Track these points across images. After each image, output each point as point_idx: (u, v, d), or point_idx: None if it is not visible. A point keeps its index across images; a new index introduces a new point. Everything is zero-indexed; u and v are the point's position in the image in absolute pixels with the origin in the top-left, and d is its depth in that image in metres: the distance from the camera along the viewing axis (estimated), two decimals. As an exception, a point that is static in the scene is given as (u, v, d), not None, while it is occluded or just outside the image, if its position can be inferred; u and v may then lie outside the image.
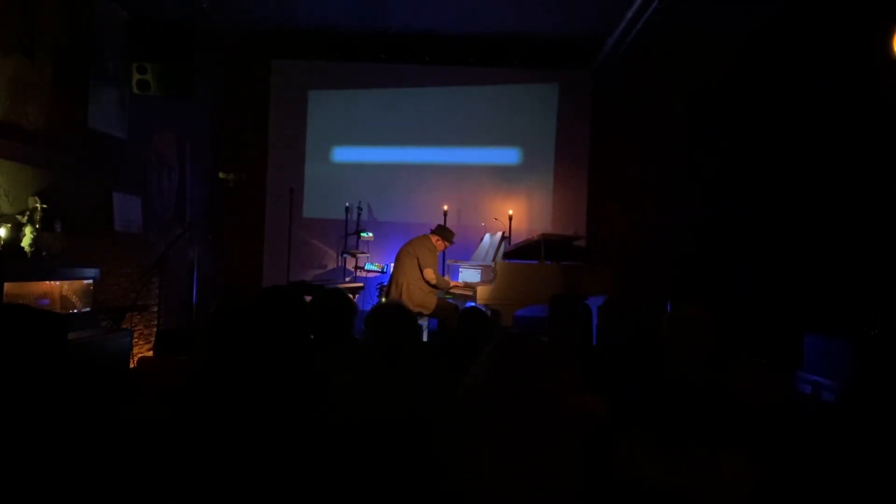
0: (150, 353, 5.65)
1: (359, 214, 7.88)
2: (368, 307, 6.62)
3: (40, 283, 4.35)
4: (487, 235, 6.88)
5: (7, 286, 3.86)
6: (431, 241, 6.12)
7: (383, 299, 6.41)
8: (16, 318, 1.82)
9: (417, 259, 5.95)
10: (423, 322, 6.16)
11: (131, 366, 4.95)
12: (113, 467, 1.64)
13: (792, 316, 5.28)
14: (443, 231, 6.26)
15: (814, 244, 5.44)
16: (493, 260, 6.24)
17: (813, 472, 2.03)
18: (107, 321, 5.23)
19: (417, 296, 5.89)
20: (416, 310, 5.76)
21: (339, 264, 8.09)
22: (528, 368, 1.91)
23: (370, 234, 7.84)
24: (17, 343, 1.76)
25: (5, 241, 4.16)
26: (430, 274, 5.93)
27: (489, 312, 5.45)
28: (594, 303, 6.42)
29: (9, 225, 4.21)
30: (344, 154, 8.47)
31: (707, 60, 6.99)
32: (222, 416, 1.69)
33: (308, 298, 2.75)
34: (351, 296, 5.08)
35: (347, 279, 7.59)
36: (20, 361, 1.75)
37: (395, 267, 6.11)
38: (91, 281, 4.78)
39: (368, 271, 7.77)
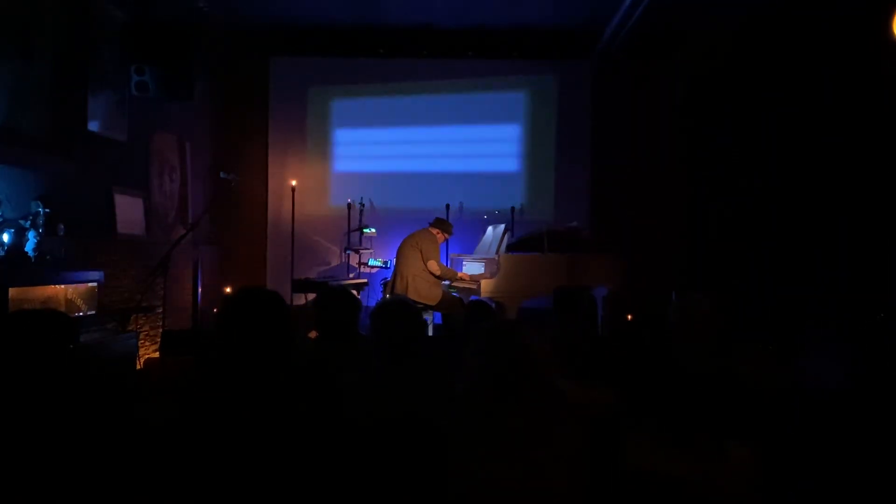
0: (157, 355, 5.67)
1: (361, 210, 7.88)
2: (373, 303, 6.64)
3: (45, 287, 4.36)
4: (490, 228, 6.87)
5: (12, 291, 3.87)
6: (432, 234, 6.14)
7: (387, 294, 6.41)
8: (27, 322, 1.83)
9: (420, 251, 5.96)
10: (428, 316, 6.17)
11: (138, 367, 4.97)
12: (122, 468, 1.65)
13: (798, 303, 5.27)
14: (442, 224, 6.30)
15: (819, 232, 5.42)
16: (497, 253, 6.23)
17: (819, 461, 2.03)
18: (112, 323, 5.24)
19: (423, 288, 5.90)
20: (422, 302, 5.78)
21: (343, 261, 8.10)
22: (520, 360, 1.91)
23: (373, 230, 7.84)
24: (29, 345, 1.77)
25: (9, 246, 4.16)
26: (433, 265, 5.94)
27: (493, 305, 5.46)
28: (599, 293, 6.43)
29: (12, 230, 4.22)
30: (345, 150, 8.47)
31: (707, 47, 6.95)
32: (227, 416, 1.69)
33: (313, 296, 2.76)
34: (355, 292, 5.09)
35: (351, 275, 7.61)
36: (32, 363, 1.76)
37: (398, 261, 6.11)
38: (95, 284, 4.79)
39: (372, 267, 7.77)
